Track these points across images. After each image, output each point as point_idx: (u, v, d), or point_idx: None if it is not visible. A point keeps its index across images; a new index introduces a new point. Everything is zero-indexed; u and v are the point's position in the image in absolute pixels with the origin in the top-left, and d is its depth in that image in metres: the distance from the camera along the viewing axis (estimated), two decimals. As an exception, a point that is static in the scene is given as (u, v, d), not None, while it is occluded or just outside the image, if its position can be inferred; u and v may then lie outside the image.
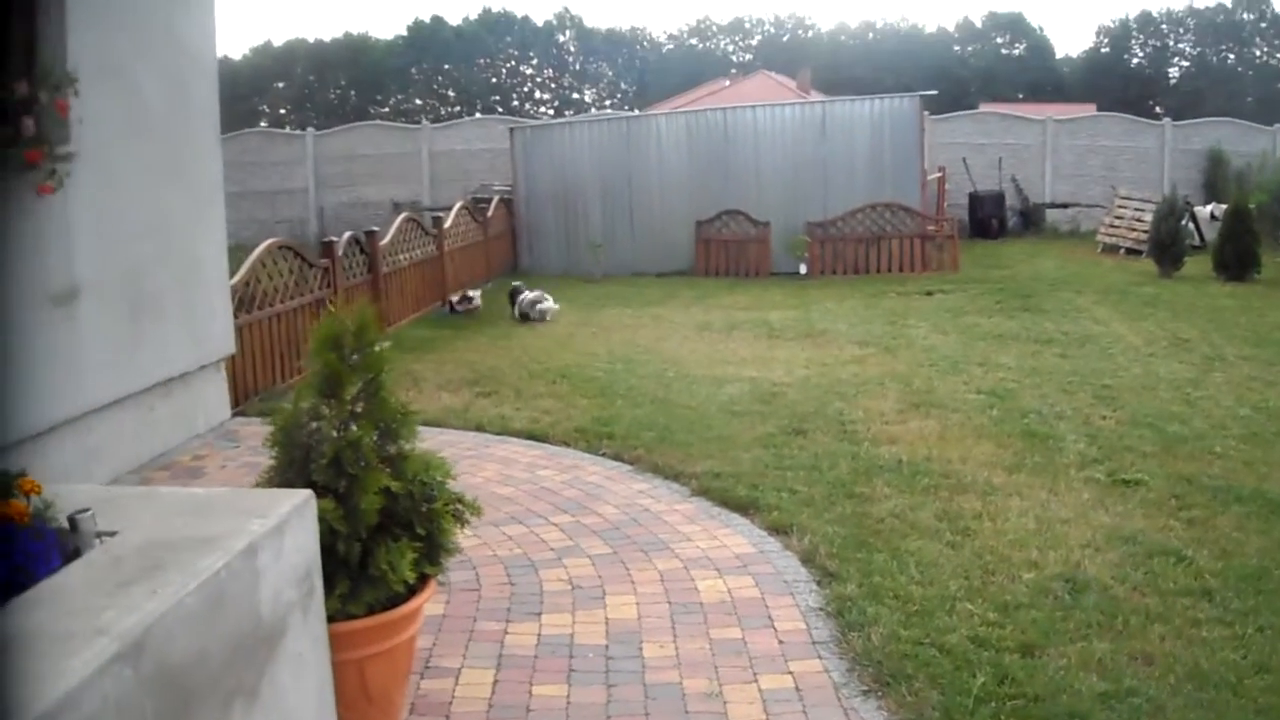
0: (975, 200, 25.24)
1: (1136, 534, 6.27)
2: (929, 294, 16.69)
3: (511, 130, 22.43)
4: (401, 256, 14.71)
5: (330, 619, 3.89)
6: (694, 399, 9.85)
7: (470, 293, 16.20)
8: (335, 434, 4.12)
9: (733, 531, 6.41)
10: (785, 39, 75.64)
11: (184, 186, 8.77)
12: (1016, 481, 7.27)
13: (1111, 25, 69.06)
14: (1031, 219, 26.06)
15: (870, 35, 73.85)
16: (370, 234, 13.66)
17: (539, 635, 5.14)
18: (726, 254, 20.25)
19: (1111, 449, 8.02)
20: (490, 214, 19.99)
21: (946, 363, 11.29)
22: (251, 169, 28.95)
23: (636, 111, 31.68)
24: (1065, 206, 26.20)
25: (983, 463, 7.69)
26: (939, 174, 24.30)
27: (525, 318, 15.22)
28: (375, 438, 4.17)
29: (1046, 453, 7.95)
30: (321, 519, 3.92)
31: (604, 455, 8.07)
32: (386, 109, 69.25)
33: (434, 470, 4.29)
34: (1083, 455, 7.87)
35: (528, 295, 15.44)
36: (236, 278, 10.10)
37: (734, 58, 74.15)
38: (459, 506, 4.39)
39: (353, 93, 72.50)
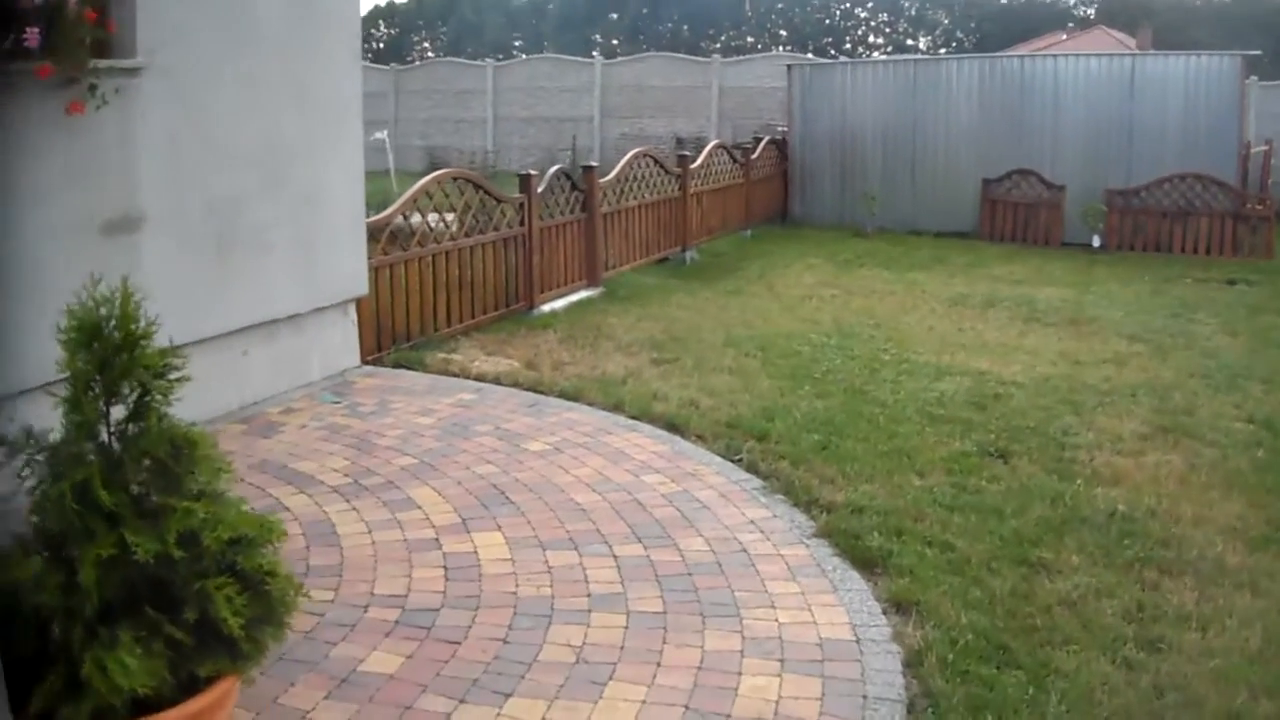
0: None
1: None
2: (1231, 283, 14.05)
3: (789, 67, 20.54)
4: (629, 196, 13.33)
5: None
6: (894, 394, 8.10)
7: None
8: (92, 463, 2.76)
9: (837, 600, 4.72)
10: (1129, -6, 69.89)
11: (305, 108, 7.69)
12: (1259, 565, 5.24)
13: None
14: (1373, 207, 22.17)
15: (1220, -2, 67.27)
16: (588, 169, 12.33)
17: (483, 736, 3.69)
18: (1014, 217, 17.97)
19: None
20: (755, 155, 18.34)
21: (1223, 374, 9.02)
22: (540, 94, 28.43)
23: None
24: None
25: (1222, 528, 5.67)
26: (1265, 147, 20.97)
27: None
28: (145, 474, 2.80)
29: (1321, 523, 5.85)
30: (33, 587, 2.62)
31: (738, 462, 6.46)
32: (718, 45, 68.08)
33: (232, 528, 2.84)
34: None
35: None
36: (391, 209, 9.02)
37: (1075, 12, 69.09)
38: (268, 582, 2.92)
39: (685, 27, 71.61)
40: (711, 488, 6.01)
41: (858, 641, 4.37)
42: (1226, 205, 16.60)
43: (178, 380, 2.91)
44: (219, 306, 7.03)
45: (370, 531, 5.35)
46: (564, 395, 7.78)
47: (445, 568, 4.96)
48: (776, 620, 4.52)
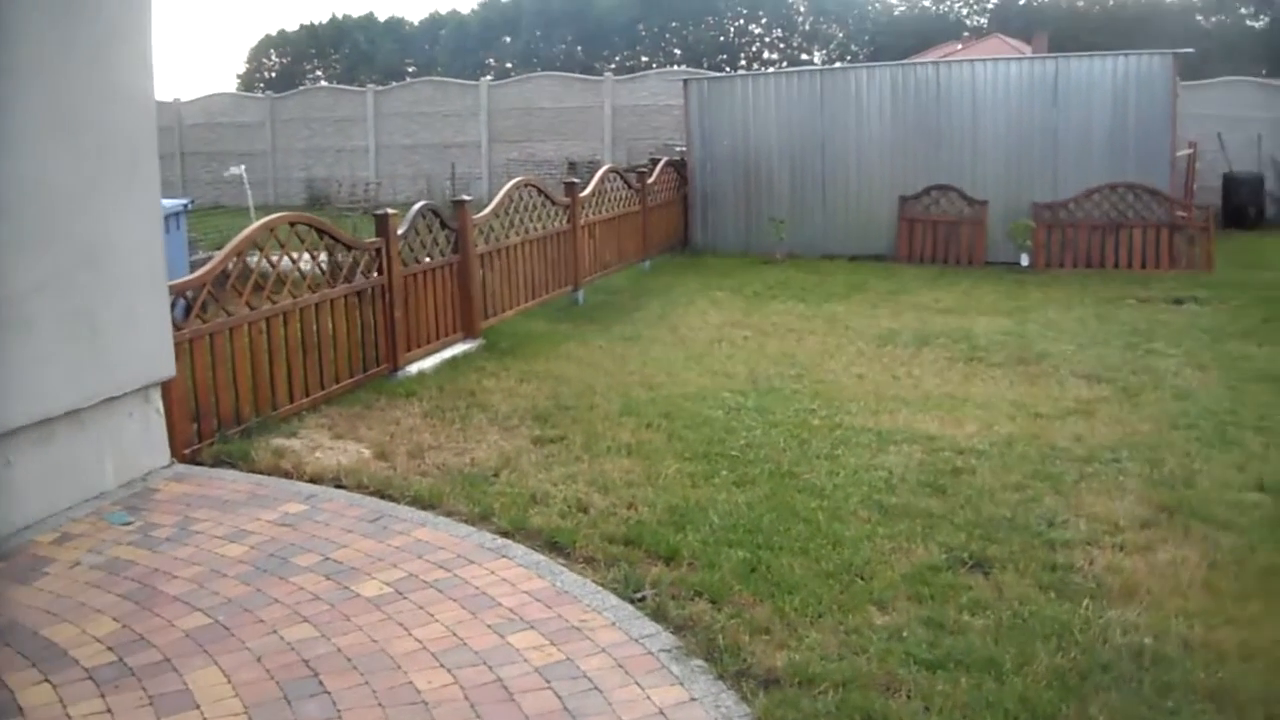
0: (1230, 183, 20.81)
1: None
2: (1178, 302, 12.96)
3: (686, 82, 19.04)
4: (510, 232, 11.75)
5: None
6: (832, 476, 6.61)
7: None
8: None
9: None
10: (1022, 2, 69.89)
11: (79, 144, 6.01)
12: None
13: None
14: (1296, 207, 21.41)
15: (1111, 1, 67.50)
16: (459, 204, 10.71)
17: None
18: (934, 237, 16.78)
19: None
20: (652, 179, 16.81)
21: (1209, 424, 7.69)
22: (424, 120, 26.84)
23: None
24: (1337, 195, 21.43)
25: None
26: (1189, 150, 20.05)
27: None
28: None
29: None
30: None
31: (640, 603, 4.89)
32: (612, 66, 66.86)
33: None
34: None
35: None
36: (209, 266, 7.35)
37: (968, 21, 69.07)
38: None
39: (579, 48, 70.34)
40: (604, 650, 4.41)
41: None
42: (1160, 216, 15.54)
43: None
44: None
45: (114, 759, 3.71)
46: (418, 501, 6.15)
47: (206, 832, 3.34)
48: None
